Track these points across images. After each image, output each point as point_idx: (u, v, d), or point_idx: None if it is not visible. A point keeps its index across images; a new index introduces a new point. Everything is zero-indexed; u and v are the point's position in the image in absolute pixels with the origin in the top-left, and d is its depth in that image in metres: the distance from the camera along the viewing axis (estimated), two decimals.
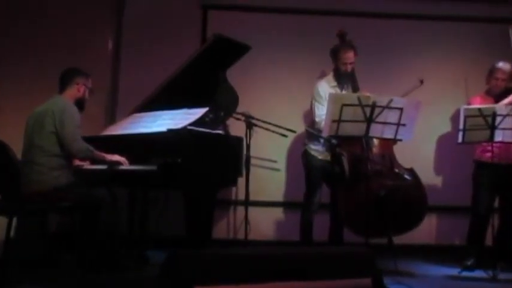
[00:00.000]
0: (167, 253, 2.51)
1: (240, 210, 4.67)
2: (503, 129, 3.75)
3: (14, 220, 3.41)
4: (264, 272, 2.43)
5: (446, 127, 4.92)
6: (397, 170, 4.00)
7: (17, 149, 3.46)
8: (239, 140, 3.86)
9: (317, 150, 4.16)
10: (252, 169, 4.07)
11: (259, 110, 4.34)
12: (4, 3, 4.69)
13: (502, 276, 3.79)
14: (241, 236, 4.43)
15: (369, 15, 5.00)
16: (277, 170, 4.91)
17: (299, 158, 4.30)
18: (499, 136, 3.78)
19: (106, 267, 3.49)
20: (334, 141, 3.84)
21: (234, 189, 4.80)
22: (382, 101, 3.54)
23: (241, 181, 3.99)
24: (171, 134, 3.38)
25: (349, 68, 4.11)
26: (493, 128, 3.74)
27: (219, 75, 3.99)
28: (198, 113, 3.56)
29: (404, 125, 3.59)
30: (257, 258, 2.52)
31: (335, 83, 4.16)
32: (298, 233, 4.22)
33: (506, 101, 4.00)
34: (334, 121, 3.53)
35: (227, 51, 3.93)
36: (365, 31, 4.83)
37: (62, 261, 3.85)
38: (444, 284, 3.78)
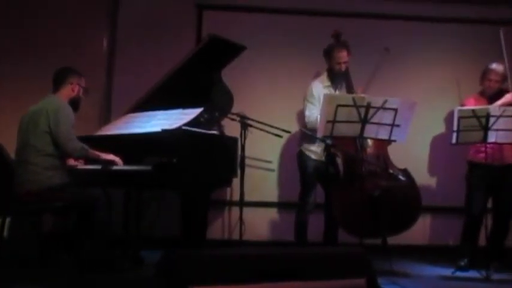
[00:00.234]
0: (162, 253, 2.51)
1: (235, 210, 4.67)
2: (497, 130, 3.77)
3: (8, 220, 3.40)
4: (259, 272, 2.43)
5: (440, 128, 4.94)
6: (391, 171, 4.01)
7: (11, 149, 3.45)
8: (234, 140, 3.86)
9: (311, 151, 4.17)
10: (247, 169, 4.06)
11: (254, 111, 4.34)
12: None
13: (495, 276, 3.82)
14: (236, 236, 4.44)
15: (364, 16, 5.01)
16: (272, 170, 4.92)
17: (294, 158, 4.30)
18: (492, 137, 3.80)
19: (101, 267, 3.49)
20: (328, 141, 3.85)
21: (228, 189, 4.80)
22: (377, 101, 3.56)
23: (235, 181, 3.99)
24: (166, 134, 3.37)
25: (343, 67, 4.12)
26: (486, 129, 3.76)
27: (214, 75, 3.99)
28: (193, 113, 3.55)
29: (398, 125, 3.61)
30: (252, 258, 2.52)
31: (329, 83, 4.18)
32: (293, 234, 4.22)
33: (499, 102, 4.02)
34: (329, 121, 3.54)
35: (222, 52, 3.92)
36: (360, 32, 4.85)
37: (57, 261, 3.84)
38: (438, 284, 3.80)
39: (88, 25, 4.79)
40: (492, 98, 4.13)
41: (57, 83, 3.63)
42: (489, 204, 4.22)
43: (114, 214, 3.81)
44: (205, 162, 3.48)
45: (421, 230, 4.72)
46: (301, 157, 4.21)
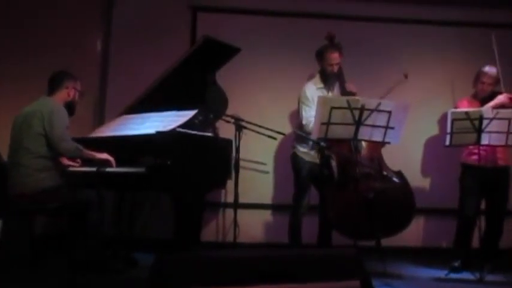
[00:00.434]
0: (156, 255, 2.50)
1: (229, 212, 4.66)
2: (490, 132, 3.79)
3: (0, 221, 3.38)
4: (253, 274, 2.43)
5: (433, 130, 4.96)
6: (385, 173, 4.02)
7: (3, 150, 3.43)
8: (228, 142, 3.86)
9: (306, 153, 4.17)
10: (241, 171, 4.06)
11: (249, 113, 4.35)
12: None
13: (488, 278, 3.83)
14: (230, 238, 4.43)
15: (358, 19, 5.02)
16: (266, 172, 4.92)
17: (288, 160, 4.30)
18: (485, 139, 3.81)
19: (94, 268, 3.47)
20: (323, 143, 3.85)
21: (223, 191, 4.79)
22: (371, 104, 3.57)
23: (230, 183, 4.00)
24: (160, 136, 3.37)
25: (335, 68, 4.13)
26: (479, 131, 3.77)
27: (209, 77, 3.99)
28: (187, 115, 3.55)
29: (392, 128, 3.62)
30: (246, 260, 2.52)
31: (322, 85, 4.18)
32: (287, 235, 4.22)
33: (492, 103, 4.04)
34: (323, 124, 3.55)
35: (216, 53, 3.93)
36: (354, 34, 4.86)
37: (50, 262, 3.82)
38: (431, 285, 3.81)
39: (82, 27, 4.77)
40: (485, 101, 4.14)
41: (53, 86, 3.61)
42: (482, 206, 4.24)
43: (107, 215, 3.79)
44: (199, 164, 3.48)
45: (414, 232, 4.73)
46: (295, 159, 4.21)
